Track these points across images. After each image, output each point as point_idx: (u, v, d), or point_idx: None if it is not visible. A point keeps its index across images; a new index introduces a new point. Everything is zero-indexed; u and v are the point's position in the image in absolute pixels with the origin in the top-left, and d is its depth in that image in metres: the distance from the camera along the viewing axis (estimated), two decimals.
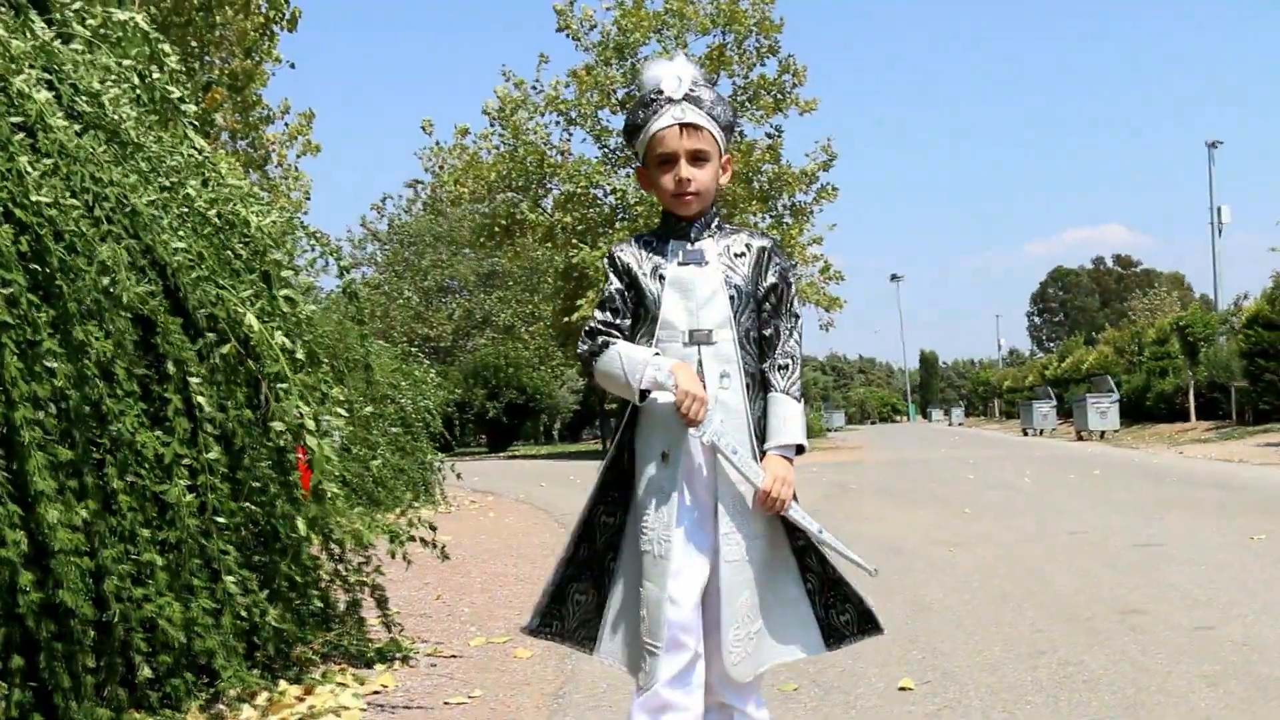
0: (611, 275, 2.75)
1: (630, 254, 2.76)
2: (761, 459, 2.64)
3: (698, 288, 2.68)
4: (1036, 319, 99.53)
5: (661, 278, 2.69)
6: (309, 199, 19.78)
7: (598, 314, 2.72)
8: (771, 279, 2.73)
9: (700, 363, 2.64)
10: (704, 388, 2.60)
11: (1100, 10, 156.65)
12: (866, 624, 2.72)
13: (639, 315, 2.71)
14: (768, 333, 2.72)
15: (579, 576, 2.75)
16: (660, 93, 2.71)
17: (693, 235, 2.73)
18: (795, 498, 2.65)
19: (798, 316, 2.78)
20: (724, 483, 2.62)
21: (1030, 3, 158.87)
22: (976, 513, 9.98)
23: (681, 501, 2.62)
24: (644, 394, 2.60)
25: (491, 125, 26.05)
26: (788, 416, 2.68)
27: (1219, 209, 39.81)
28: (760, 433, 2.67)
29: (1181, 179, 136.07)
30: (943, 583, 6.11)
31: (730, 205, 23.61)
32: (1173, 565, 6.46)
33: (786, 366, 2.70)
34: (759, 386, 2.70)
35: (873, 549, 7.44)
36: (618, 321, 2.70)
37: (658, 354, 2.61)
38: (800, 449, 2.70)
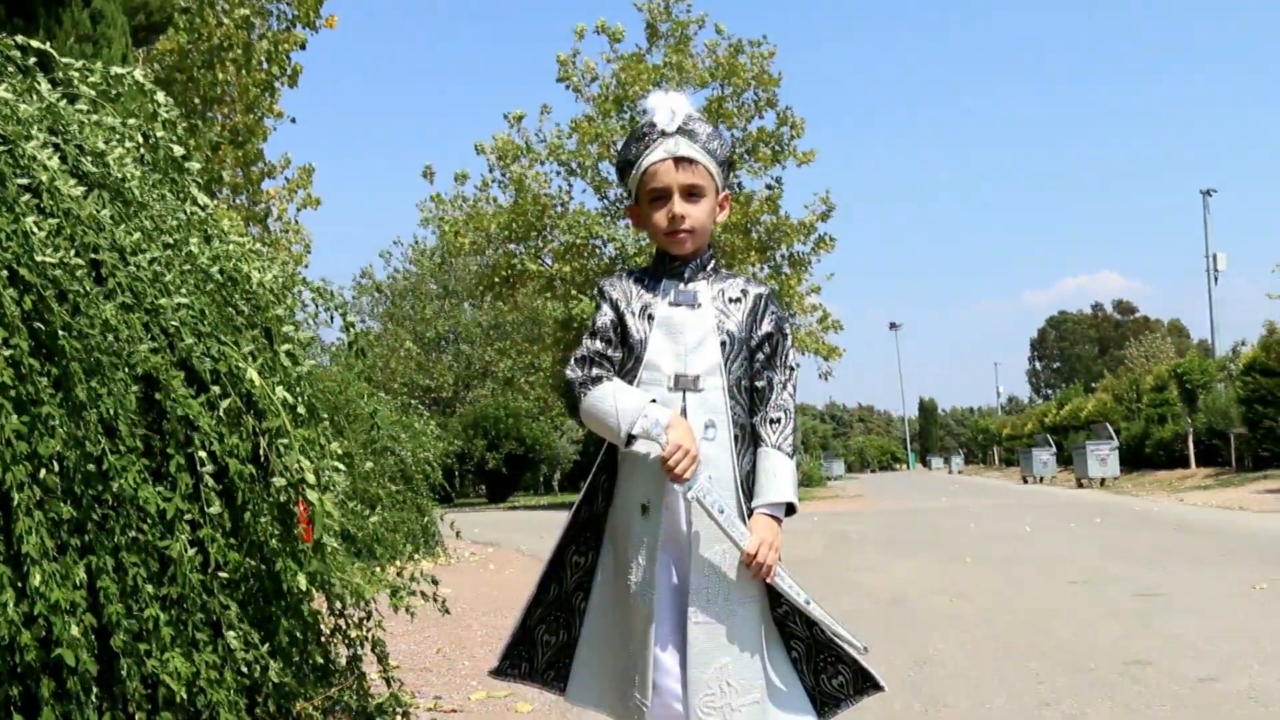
0: (604, 305, 2.64)
1: (619, 289, 2.64)
2: (749, 517, 2.52)
3: (687, 331, 2.55)
4: (1037, 364, 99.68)
5: (650, 317, 2.58)
6: (309, 252, 19.87)
7: (589, 342, 2.59)
8: (767, 327, 2.60)
9: (685, 411, 2.51)
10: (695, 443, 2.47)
11: (1094, 61, 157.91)
12: (864, 683, 2.59)
13: (623, 354, 2.59)
14: (760, 384, 2.58)
15: (547, 617, 2.66)
16: (653, 126, 2.60)
17: (686, 275, 2.61)
18: (780, 559, 2.51)
19: (793, 369, 2.64)
20: (700, 539, 2.49)
21: (1025, 54, 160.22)
22: (978, 561, 9.95)
23: (663, 558, 2.50)
24: (630, 439, 2.46)
25: (490, 171, 26.16)
26: (778, 473, 2.53)
27: (1214, 256, 39.96)
28: (748, 489, 2.54)
29: (1177, 226, 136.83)
30: (945, 633, 6.08)
31: (729, 256, 23.69)
32: (1175, 615, 6.44)
33: (779, 420, 2.57)
34: (749, 440, 2.56)
35: (874, 599, 7.42)
36: (610, 353, 2.57)
37: (654, 401, 2.47)
38: (791, 508, 2.56)
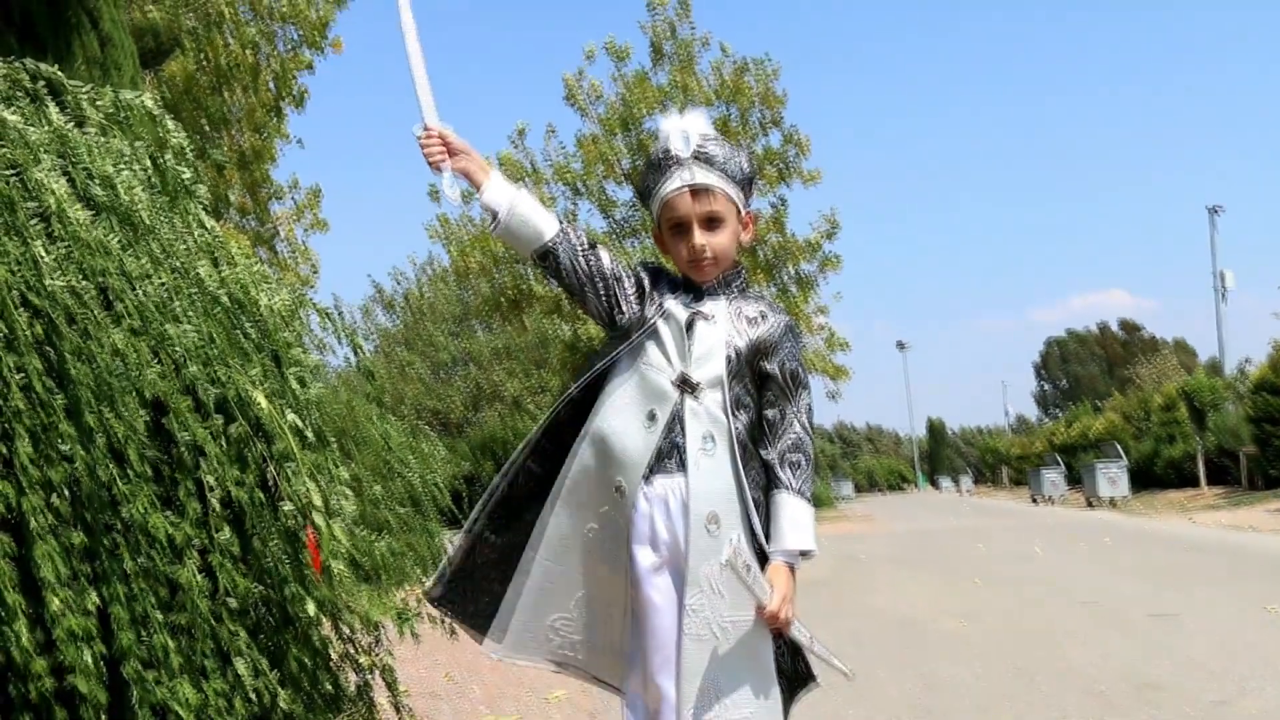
0: (630, 270, 2.64)
1: (652, 275, 2.64)
2: (762, 559, 2.48)
3: (697, 339, 2.53)
4: (1046, 385, 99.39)
5: (662, 307, 2.56)
6: (317, 274, 19.88)
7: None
8: (781, 356, 2.56)
9: (682, 417, 2.50)
10: (684, 438, 2.48)
11: (1100, 78, 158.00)
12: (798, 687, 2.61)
13: (627, 337, 2.57)
14: (770, 415, 2.55)
15: (486, 532, 2.65)
16: (668, 153, 2.56)
17: (705, 290, 2.58)
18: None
19: (810, 409, 2.60)
20: (698, 554, 2.45)
21: (1032, 71, 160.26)
22: (988, 583, 9.91)
23: (659, 581, 2.50)
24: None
25: None
26: (800, 520, 2.50)
27: (1222, 274, 39.79)
28: (746, 503, 2.50)
29: (1184, 244, 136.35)
30: (955, 656, 6.05)
31: None
32: (1187, 636, 6.41)
33: (799, 464, 2.53)
34: (755, 459, 2.53)
35: (884, 621, 7.39)
36: (592, 252, 2.60)
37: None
38: (807, 552, 2.54)
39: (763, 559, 2.50)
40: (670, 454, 2.51)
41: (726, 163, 2.57)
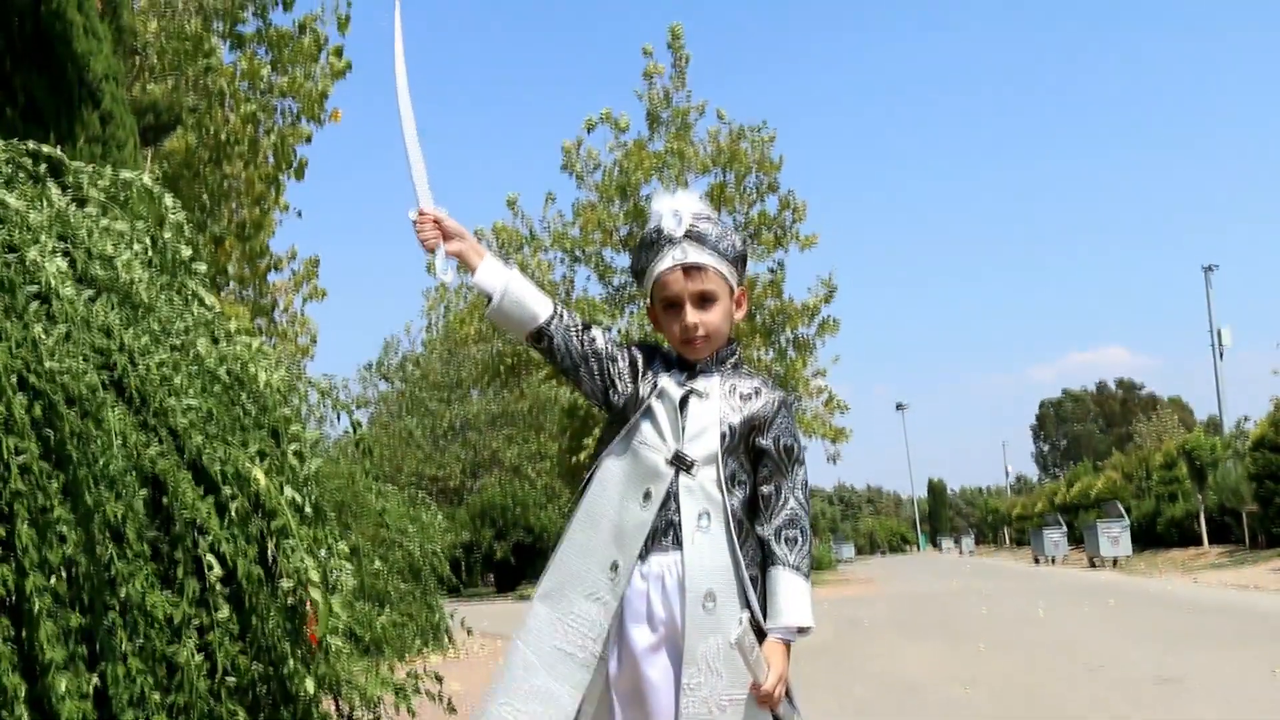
0: (623, 348, 2.65)
1: (646, 354, 2.65)
2: (759, 634, 2.44)
3: (690, 417, 2.54)
4: (1044, 445, 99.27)
5: (655, 385, 2.57)
6: (315, 344, 19.90)
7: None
8: (776, 431, 2.56)
9: (677, 495, 2.50)
10: (679, 515, 2.48)
11: (1096, 139, 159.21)
12: None
13: (623, 417, 2.58)
14: (766, 491, 2.55)
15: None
16: (660, 232, 2.58)
17: (699, 368, 2.60)
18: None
19: (806, 484, 2.60)
20: (696, 632, 2.44)
21: (1028, 131, 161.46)
22: (991, 647, 9.84)
23: (656, 658, 2.47)
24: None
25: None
26: (796, 596, 2.49)
27: (1219, 331, 39.84)
28: (742, 579, 2.48)
29: (1181, 302, 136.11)
30: None
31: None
32: (1195, 702, 6.35)
33: (796, 540, 2.52)
34: (751, 535, 2.53)
35: (886, 687, 7.33)
36: (585, 336, 2.61)
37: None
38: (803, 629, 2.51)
39: (759, 635, 2.47)
40: (666, 531, 2.51)
41: (719, 241, 2.60)
